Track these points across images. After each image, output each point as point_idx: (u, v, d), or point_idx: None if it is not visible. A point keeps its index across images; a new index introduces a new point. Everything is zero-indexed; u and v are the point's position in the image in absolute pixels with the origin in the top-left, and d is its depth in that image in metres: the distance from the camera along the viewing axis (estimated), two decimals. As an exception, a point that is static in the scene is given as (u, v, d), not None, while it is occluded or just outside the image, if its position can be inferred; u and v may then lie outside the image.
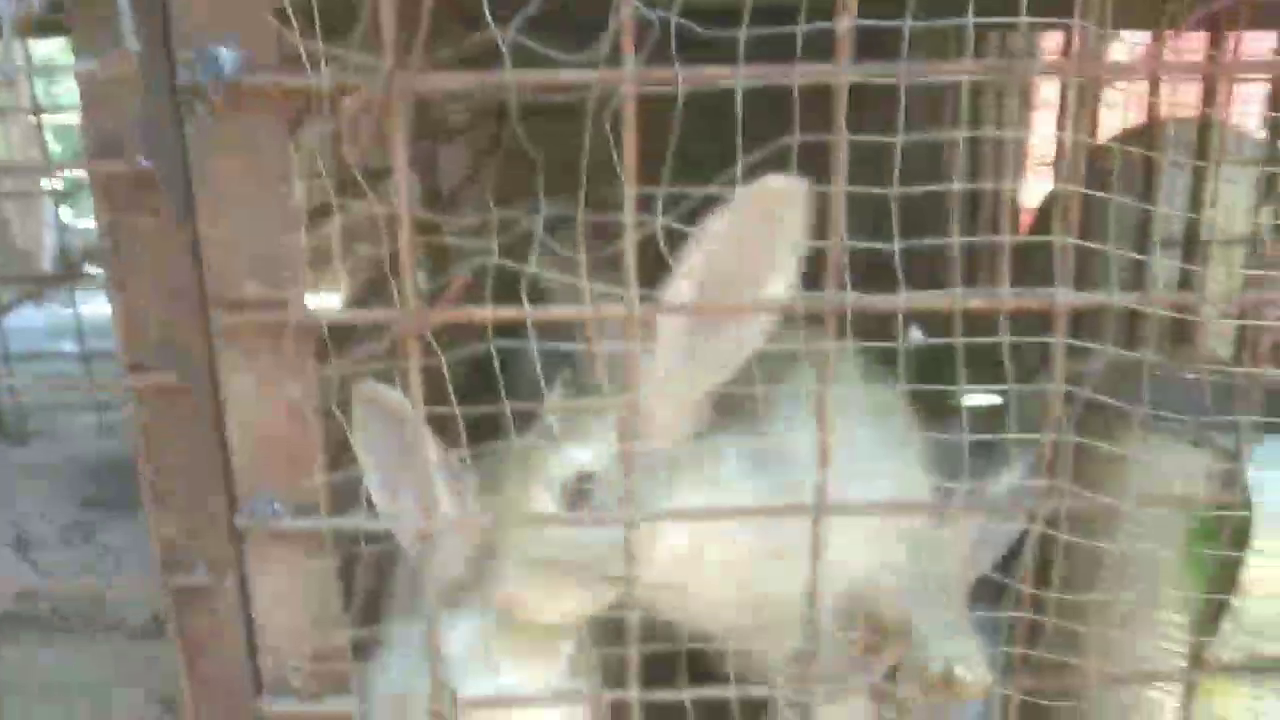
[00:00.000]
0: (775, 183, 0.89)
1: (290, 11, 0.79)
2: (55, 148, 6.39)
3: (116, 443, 2.56)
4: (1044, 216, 2.17)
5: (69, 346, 2.88)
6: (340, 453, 0.92)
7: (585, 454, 1.03)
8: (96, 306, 2.79)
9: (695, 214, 0.84)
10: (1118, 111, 2.01)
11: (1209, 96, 1.63)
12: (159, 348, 0.85)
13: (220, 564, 0.93)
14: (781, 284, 0.92)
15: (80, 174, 4.30)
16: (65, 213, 5.81)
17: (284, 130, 0.79)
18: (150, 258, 0.83)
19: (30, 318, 3.00)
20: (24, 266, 4.88)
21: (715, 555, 1.04)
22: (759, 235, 0.92)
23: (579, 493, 1.03)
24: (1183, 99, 1.84)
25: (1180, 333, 1.26)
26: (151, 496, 0.91)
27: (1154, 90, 1.76)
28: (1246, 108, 2.31)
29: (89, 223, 3.72)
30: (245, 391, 0.85)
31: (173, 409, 0.88)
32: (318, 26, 0.80)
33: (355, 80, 0.77)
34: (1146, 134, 1.93)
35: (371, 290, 1.17)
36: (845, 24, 0.75)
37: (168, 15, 0.77)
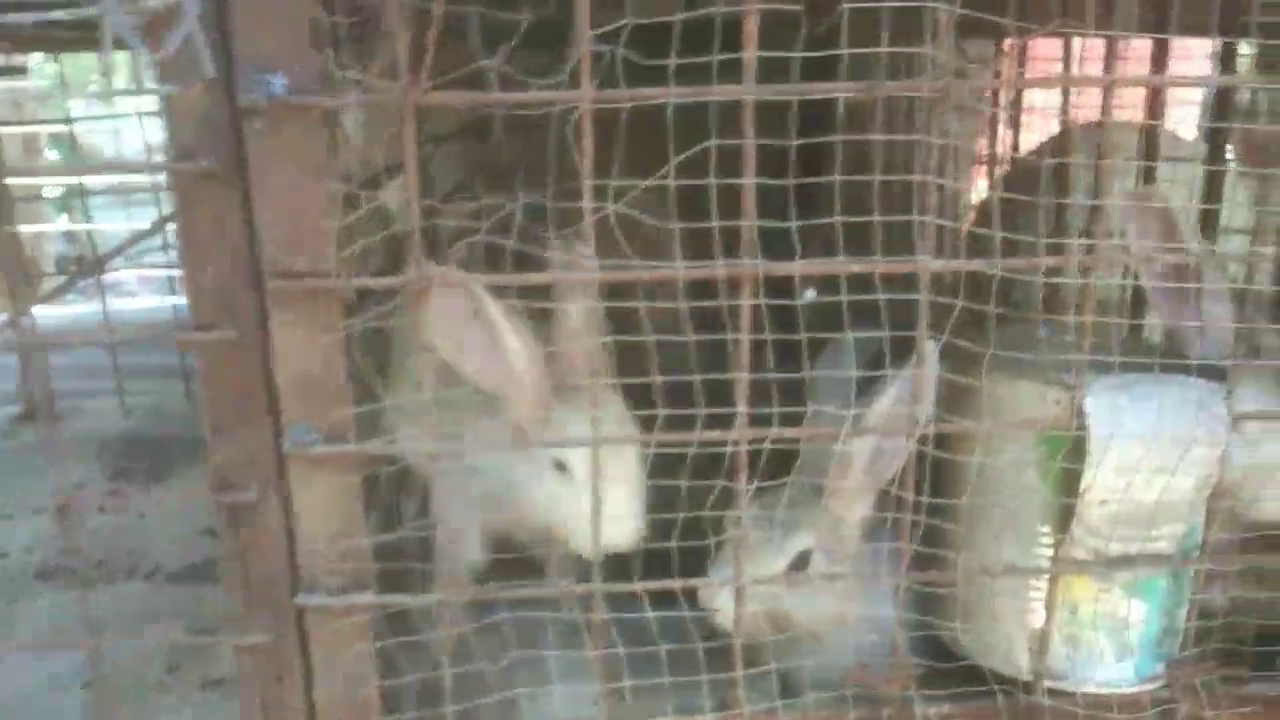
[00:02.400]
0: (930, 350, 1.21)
1: (324, 41, 1.02)
2: (52, 154, 6.62)
3: (137, 422, 2.80)
4: (982, 213, 2.41)
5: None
6: (364, 392, 1.15)
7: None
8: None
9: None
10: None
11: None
12: (222, 310, 1.08)
13: (266, 484, 1.16)
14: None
15: (76, 181, 4.53)
16: (63, 219, 6.07)
17: (322, 137, 1.03)
18: (215, 239, 1.07)
19: (46, 315, 3.24)
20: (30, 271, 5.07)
21: None
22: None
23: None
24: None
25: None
26: (211, 430, 1.14)
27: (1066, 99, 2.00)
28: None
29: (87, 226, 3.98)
30: (291, 343, 1.09)
31: (230, 360, 1.11)
32: (345, 53, 1.03)
33: (376, 98, 1.01)
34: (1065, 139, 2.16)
35: (386, 264, 1.41)
36: (751, 53, 1.00)
37: (230, 49, 1.01)
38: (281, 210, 1.04)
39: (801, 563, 1.40)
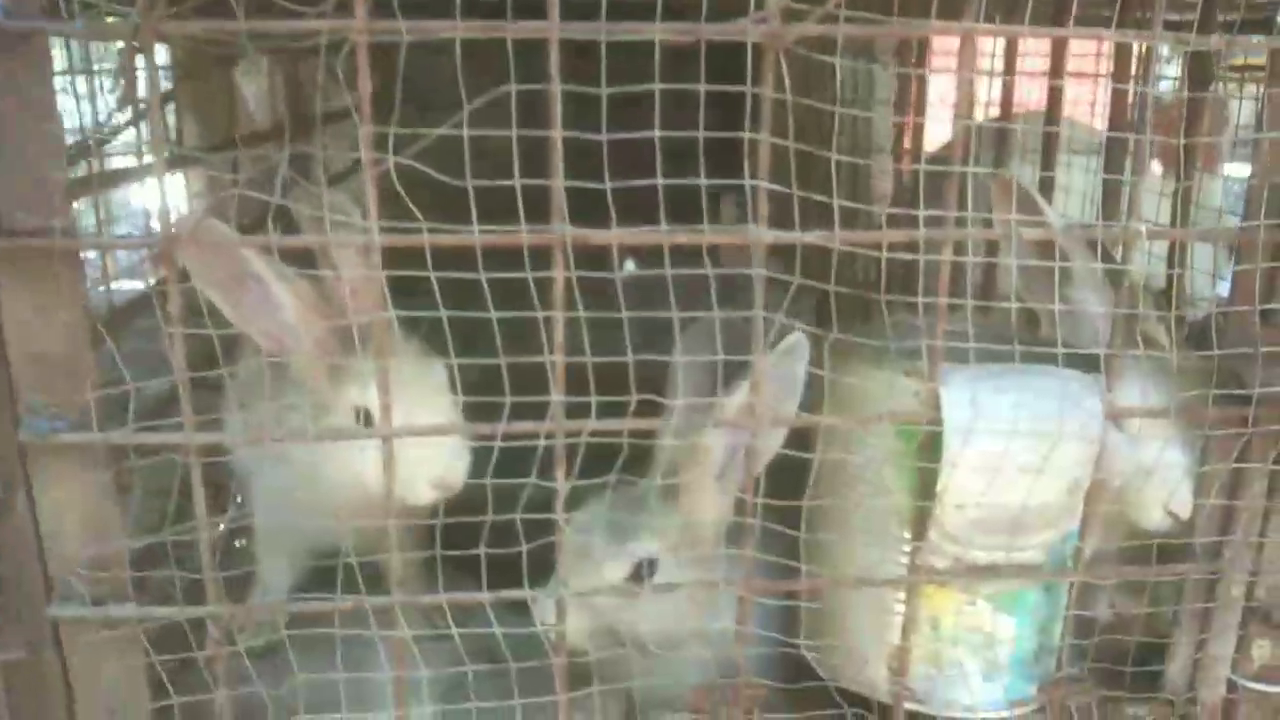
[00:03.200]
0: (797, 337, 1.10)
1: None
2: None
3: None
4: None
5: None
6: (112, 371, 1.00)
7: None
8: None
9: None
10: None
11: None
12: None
13: (9, 480, 1.00)
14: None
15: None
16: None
17: (48, 71, 0.88)
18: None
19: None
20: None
21: None
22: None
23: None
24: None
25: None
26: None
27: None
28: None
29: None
30: (21, 316, 0.93)
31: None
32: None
33: (105, 27, 0.86)
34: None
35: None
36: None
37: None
38: (6, 156, 0.89)
39: (647, 571, 1.27)
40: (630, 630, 1.25)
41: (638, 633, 1.24)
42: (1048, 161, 1.79)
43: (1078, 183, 2.13)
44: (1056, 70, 1.73)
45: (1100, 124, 2.30)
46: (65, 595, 1.04)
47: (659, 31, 0.90)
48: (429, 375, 1.24)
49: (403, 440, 1.00)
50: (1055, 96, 1.80)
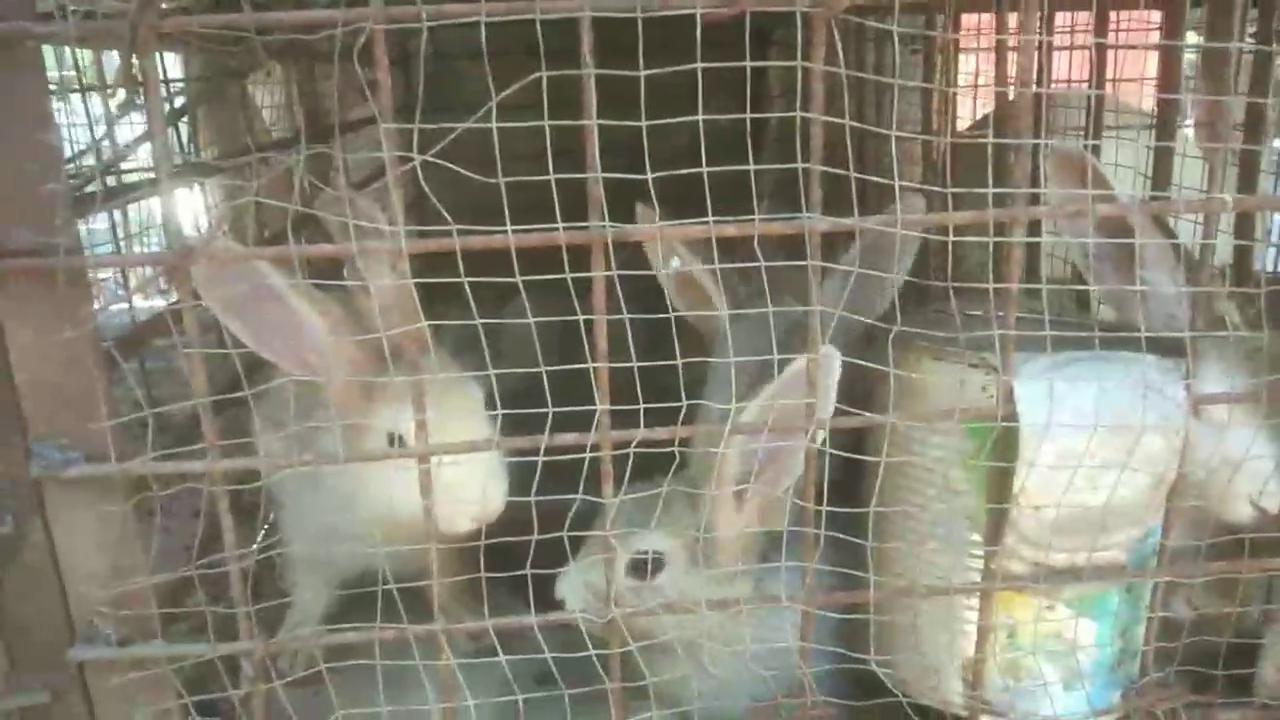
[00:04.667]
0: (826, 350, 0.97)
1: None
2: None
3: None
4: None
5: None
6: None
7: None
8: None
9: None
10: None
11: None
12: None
13: (25, 513, 0.94)
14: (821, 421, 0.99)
15: None
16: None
17: (41, 78, 0.81)
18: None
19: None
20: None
21: None
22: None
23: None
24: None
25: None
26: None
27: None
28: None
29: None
30: (23, 341, 0.87)
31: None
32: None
33: (100, 25, 0.79)
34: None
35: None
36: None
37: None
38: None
39: (654, 566, 1.21)
40: (637, 623, 1.17)
41: (646, 628, 1.16)
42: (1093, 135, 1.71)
43: (1126, 158, 2.04)
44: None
45: (1145, 97, 2.21)
46: (88, 637, 0.98)
47: (700, 6, 0.83)
48: (464, 396, 1.16)
49: (438, 467, 0.93)
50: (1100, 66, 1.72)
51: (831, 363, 0.99)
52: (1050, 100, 1.86)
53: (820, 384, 0.96)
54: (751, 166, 0.87)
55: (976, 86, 2.39)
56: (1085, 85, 1.94)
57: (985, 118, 2.22)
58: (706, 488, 1.13)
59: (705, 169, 0.86)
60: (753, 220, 0.89)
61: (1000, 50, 1.97)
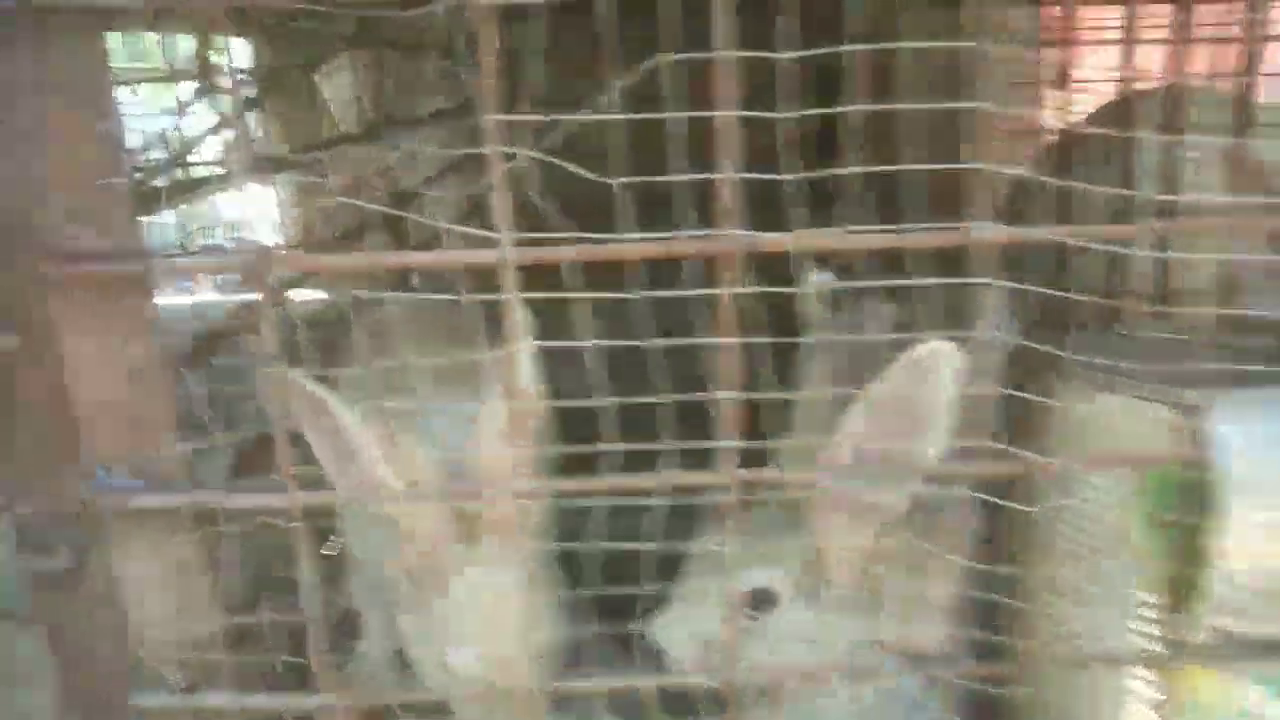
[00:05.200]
0: (928, 349, 0.84)
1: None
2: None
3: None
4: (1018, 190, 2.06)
5: None
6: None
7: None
8: None
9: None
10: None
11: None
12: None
13: (82, 547, 0.85)
14: (936, 442, 0.86)
15: None
16: None
17: (103, 63, 0.72)
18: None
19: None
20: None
21: None
22: (915, 396, 0.87)
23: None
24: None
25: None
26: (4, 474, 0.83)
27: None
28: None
29: None
30: (85, 354, 0.78)
31: (20, 378, 0.80)
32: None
33: (178, 4, 0.69)
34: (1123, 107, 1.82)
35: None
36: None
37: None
38: (57, 163, 0.74)
39: (765, 604, 1.06)
40: (747, 668, 1.04)
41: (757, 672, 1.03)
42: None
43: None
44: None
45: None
46: (150, 681, 0.89)
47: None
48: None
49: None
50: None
51: (948, 356, 0.85)
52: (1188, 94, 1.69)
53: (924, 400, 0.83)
54: (880, 168, 0.74)
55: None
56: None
57: (1103, 110, 2.02)
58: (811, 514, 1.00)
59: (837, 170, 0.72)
60: (908, 230, 0.76)
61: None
